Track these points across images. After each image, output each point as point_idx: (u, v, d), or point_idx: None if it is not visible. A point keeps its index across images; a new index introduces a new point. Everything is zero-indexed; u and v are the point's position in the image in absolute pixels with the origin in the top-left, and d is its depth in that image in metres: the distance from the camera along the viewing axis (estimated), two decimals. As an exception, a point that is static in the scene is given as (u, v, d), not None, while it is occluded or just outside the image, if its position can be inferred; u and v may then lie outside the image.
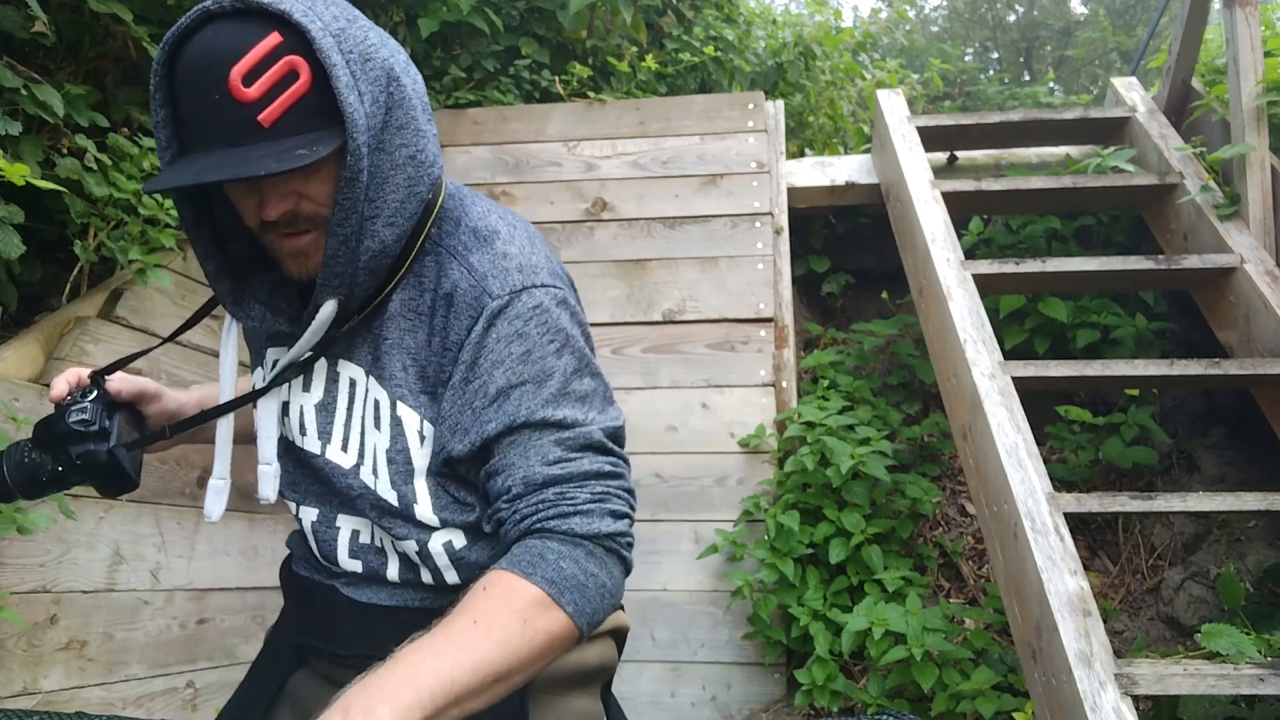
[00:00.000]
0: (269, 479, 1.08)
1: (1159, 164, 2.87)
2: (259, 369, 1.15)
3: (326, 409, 1.06)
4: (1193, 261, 2.53)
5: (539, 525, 0.95)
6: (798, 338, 3.26)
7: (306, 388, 1.07)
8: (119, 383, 1.11)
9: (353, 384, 1.05)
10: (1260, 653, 1.78)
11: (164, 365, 2.18)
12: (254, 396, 1.07)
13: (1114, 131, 3.14)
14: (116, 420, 1.06)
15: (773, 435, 2.83)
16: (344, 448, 1.05)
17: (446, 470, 1.03)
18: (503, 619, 0.87)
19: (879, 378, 3.18)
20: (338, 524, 1.09)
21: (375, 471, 1.03)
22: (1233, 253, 2.50)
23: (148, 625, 2.08)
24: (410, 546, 1.05)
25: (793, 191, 3.23)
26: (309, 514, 1.11)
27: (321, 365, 1.06)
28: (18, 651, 1.77)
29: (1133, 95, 3.15)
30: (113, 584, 2.00)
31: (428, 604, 1.08)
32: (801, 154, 3.85)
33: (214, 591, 2.29)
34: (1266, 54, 2.57)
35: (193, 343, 2.28)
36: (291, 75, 0.87)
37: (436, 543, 1.04)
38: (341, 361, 1.05)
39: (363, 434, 1.04)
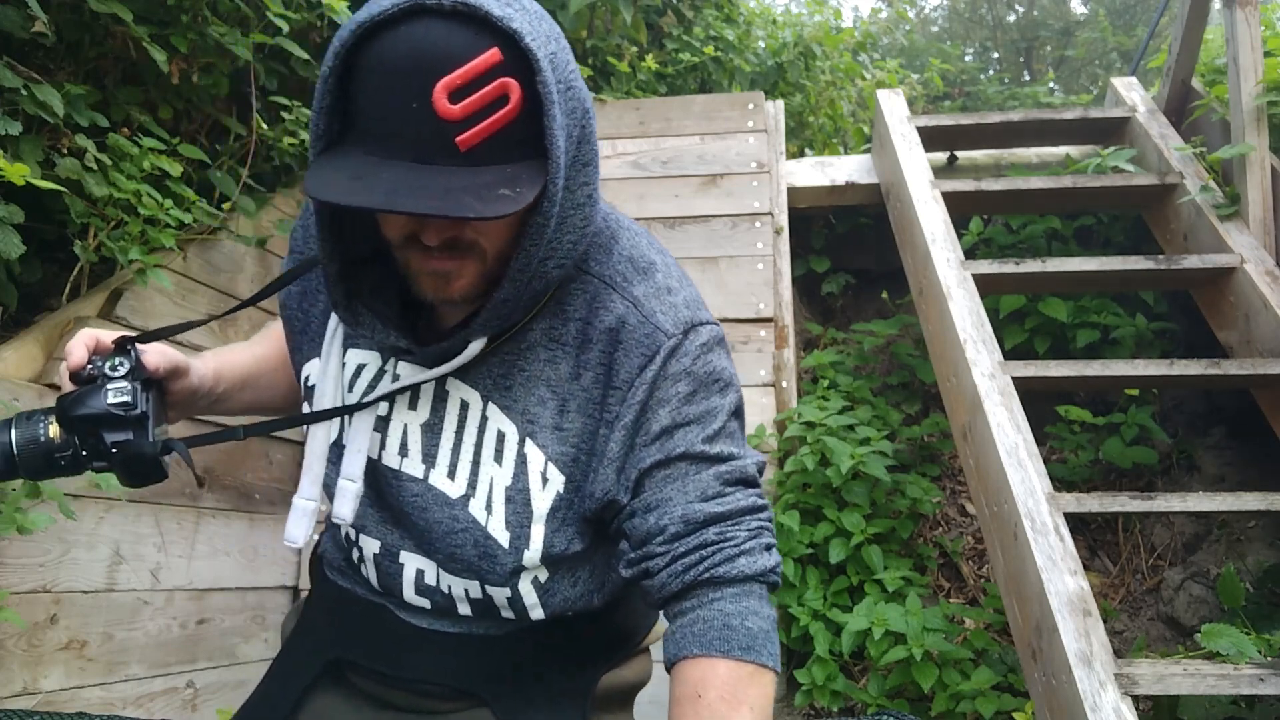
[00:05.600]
0: (349, 497, 0.97)
1: (1159, 164, 2.87)
2: (324, 361, 1.01)
3: (433, 430, 0.97)
4: (1193, 261, 2.53)
5: (707, 574, 0.92)
6: (798, 338, 3.26)
7: (413, 405, 0.97)
8: (156, 357, 0.97)
9: (464, 406, 0.96)
10: (1260, 653, 1.78)
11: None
12: (356, 408, 0.97)
13: (1114, 131, 3.14)
14: (152, 402, 0.94)
15: (773, 435, 2.83)
16: (450, 475, 0.96)
17: (591, 516, 0.97)
18: None
19: (879, 378, 3.18)
20: (401, 560, 1.01)
21: (489, 507, 0.95)
22: (1233, 253, 2.50)
23: (148, 625, 2.08)
24: (503, 593, 0.99)
25: (793, 191, 3.23)
26: (370, 544, 1.03)
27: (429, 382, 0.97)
28: (18, 651, 1.77)
29: (1133, 95, 3.15)
30: (113, 584, 2.00)
31: (499, 632, 1.04)
32: (801, 154, 3.85)
33: (214, 591, 2.29)
34: (1266, 54, 2.57)
35: (192, 342, 2.28)
36: (502, 99, 0.76)
37: (525, 581, 0.99)
38: (452, 380, 0.96)
39: (476, 463, 0.96)
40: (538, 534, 0.95)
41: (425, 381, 0.95)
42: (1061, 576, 1.86)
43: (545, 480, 0.95)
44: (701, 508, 0.92)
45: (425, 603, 1.03)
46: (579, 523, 0.97)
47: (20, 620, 1.70)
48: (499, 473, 0.95)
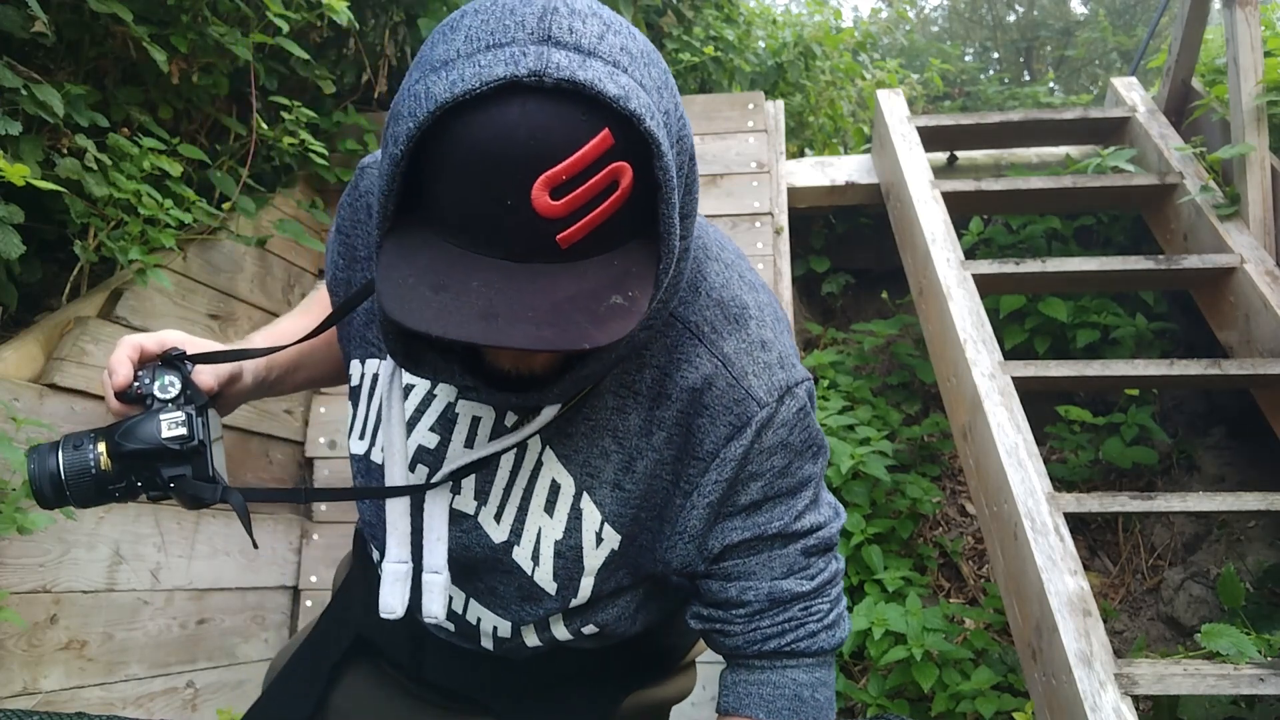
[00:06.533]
0: (437, 592, 0.88)
1: (1159, 164, 2.87)
2: (369, 365, 0.94)
3: (488, 465, 0.89)
4: (1193, 261, 2.53)
5: (788, 648, 0.91)
6: (798, 338, 3.26)
7: (469, 443, 0.89)
8: (210, 378, 0.91)
9: (522, 446, 0.87)
10: (1260, 653, 1.78)
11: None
12: (427, 486, 0.88)
13: (1114, 131, 3.14)
14: (209, 427, 0.87)
15: (773, 435, 2.83)
16: (497, 518, 0.89)
17: (658, 576, 0.93)
18: None
19: (879, 378, 3.18)
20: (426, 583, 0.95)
21: (536, 558, 0.89)
22: (1233, 253, 2.50)
23: (148, 625, 2.08)
24: (532, 629, 0.96)
25: (793, 191, 3.23)
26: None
27: (488, 415, 0.89)
28: (18, 651, 1.76)
29: (1133, 95, 3.15)
30: (113, 584, 2.00)
31: (521, 657, 1.00)
32: (801, 154, 3.85)
33: (214, 591, 2.29)
34: (1266, 54, 2.57)
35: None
36: (611, 187, 0.64)
37: (558, 615, 0.96)
38: (510, 416, 0.88)
39: (523, 511, 0.88)
40: (587, 585, 0.91)
41: (495, 453, 0.87)
42: (1061, 576, 1.86)
43: (600, 540, 0.88)
44: (787, 586, 0.90)
45: (450, 626, 1.00)
46: (631, 566, 0.92)
47: (20, 620, 1.70)
48: (549, 524, 0.88)
